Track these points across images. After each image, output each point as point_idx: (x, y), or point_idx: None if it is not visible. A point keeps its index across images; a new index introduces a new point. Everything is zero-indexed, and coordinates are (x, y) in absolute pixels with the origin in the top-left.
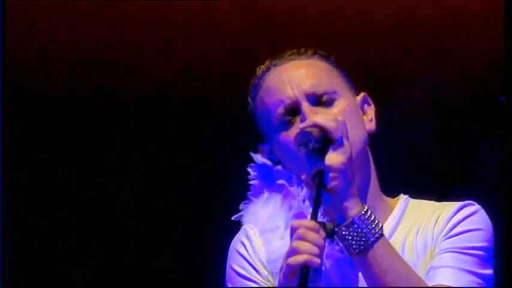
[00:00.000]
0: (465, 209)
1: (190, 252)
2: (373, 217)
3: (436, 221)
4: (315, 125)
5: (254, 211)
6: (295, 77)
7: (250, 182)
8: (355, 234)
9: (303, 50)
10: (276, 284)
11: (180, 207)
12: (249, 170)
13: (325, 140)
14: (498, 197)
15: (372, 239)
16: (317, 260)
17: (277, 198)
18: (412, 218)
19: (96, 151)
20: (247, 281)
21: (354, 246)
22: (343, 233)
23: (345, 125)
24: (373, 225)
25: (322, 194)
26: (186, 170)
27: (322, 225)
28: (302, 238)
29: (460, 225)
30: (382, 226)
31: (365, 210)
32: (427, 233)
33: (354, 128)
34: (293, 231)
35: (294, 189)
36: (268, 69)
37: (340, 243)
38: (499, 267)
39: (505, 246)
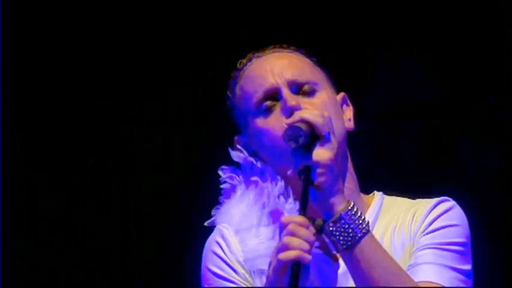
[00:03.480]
0: (441, 204)
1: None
2: (359, 213)
3: (413, 217)
4: (303, 120)
5: (227, 211)
6: (277, 66)
7: (221, 186)
8: (342, 230)
9: (285, 45)
10: (254, 283)
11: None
12: (220, 172)
13: (312, 136)
14: (475, 194)
15: (359, 235)
16: (308, 256)
17: (251, 196)
18: (388, 215)
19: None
20: (225, 281)
21: (341, 242)
22: (331, 228)
23: (331, 121)
24: (360, 221)
25: (310, 190)
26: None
27: (312, 221)
28: (293, 234)
29: (437, 221)
30: (368, 222)
31: (351, 206)
32: (404, 229)
33: (334, 121)
34: (283, 227)
35: (267, 185)
36: (250, 60)
37: (327, 239)
38: (477, 264)
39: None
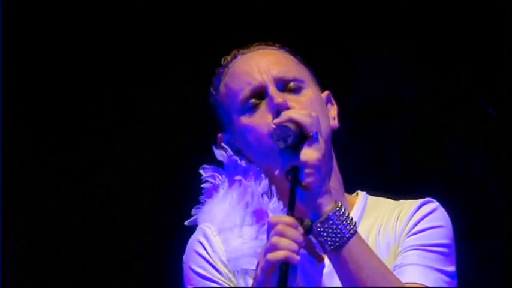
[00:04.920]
0: (425, 206)
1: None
2: (346, 213)
3: (398, 218)
4: (291, 120)
5: (209, 210)
6: (263, 62)
7: (202, 185)
8: (330, 230)
9: (270, 42)
10: (237, 282)
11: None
12: (201, 171)
13: (300, 136)
14: (462, 193)
15: (347, 235)
16: (296, 257)
17: (234, 195)
18: (372, 216)
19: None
20: (208, 282)
21: (329, 243)
22: (319, 229)
23: (318, 121)
24: (348, 222)
25: (297, 190)
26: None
27: (300, 221)
28: (281, 234)
29: (422, 222)
30: (355, 222)
31: (339, 206)
32: (389, 230)
33: (320, 119)
34: (271, 227)
35: (251, 184)
36: (234, 57)
37: (315, 240)
38: (461, 265)
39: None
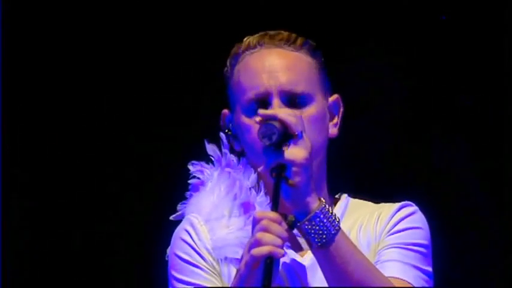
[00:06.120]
0: (405, 208)
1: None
2: (331, 210)
3: (378, 219)
4: (275, 118)
5: (197, 202)
6: (276, 66)
7: (189, 181)
8: (317, 227)
9: (294, 36)
10: (221, 270)
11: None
12: (190, 167)
13: (285, 134)
14: (444, 192)
15: (333, 232)
16: (281, 251)
17: (222, 187)
18: (353, 217)
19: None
20: (192, 267)
21: (316, 240)
22: (306, 227)
23: (302, 120)
24: (333, 218)
25: (282, 187)
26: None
27: (284, 216)
28: (265, 229)
29: (401, 222)
30: (339, 219)
31: (324, 204)
32: (369, 230)
33: (316, 135)
34: (255, 222)
35: (240, 177)
36: (254, 47)
37: (301, 237)
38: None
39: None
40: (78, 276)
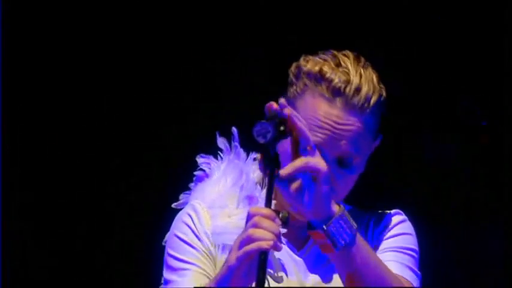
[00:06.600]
0: (396, 216)
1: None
2: (346, 212)
3: (371, 225)
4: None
5: (202, 189)
6: (343, 135)
7: (195, 172)
8: (341, 229)
9: (370, 94)
10: (217, 254)
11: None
12: (198, 159)
13: (279, 133)
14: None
15: (354, 232)
16: (270, 245)
17: (228, 178)
18: None
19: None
20: (187, 246)
21: (341, 240)
22: (332, 229)
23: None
24: (350, 220)
25: (310, 195)
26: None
27: (277, 213)
28: (257, 226)
29: (394, 228)
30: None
31: (343, 207)
32: (363, 235)
33: (347, 186)
34: (249, 217)
35: (248, 170)
36: (332, 94)
37: (327, 241)
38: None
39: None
40: (79, 276)
